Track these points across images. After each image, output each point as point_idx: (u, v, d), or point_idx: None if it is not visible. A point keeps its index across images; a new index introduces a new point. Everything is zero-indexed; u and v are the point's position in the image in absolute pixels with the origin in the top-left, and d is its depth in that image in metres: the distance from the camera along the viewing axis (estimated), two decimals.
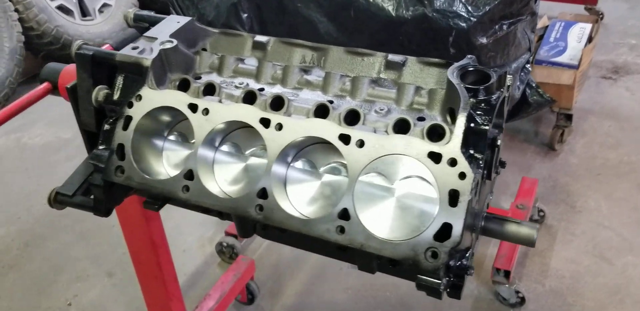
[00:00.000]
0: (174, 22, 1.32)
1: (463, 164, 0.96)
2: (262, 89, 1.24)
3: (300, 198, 1.08)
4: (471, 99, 1.03)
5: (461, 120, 0.98)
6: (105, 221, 2.80)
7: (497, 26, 1.83)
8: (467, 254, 1.06)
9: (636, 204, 2.71)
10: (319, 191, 1.08)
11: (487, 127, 1.00)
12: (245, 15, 2.04)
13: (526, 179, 2.57)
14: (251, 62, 1.30)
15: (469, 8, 1.76)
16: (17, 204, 2.95)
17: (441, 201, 0.97)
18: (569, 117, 2.94)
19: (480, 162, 1.00)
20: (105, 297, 2.43)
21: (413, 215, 0.99)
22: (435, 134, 1.03)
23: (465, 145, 0.99)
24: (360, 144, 1.03)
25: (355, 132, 1.04)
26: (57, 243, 2.70)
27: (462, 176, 0.96)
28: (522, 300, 2.25)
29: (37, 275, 2.54)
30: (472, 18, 1.77)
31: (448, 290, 1.07)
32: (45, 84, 1.45)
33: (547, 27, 2.99)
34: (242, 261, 2.29)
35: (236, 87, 1.26)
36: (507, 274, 2.22)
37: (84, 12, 4.05)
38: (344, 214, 1.01)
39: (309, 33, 1.95)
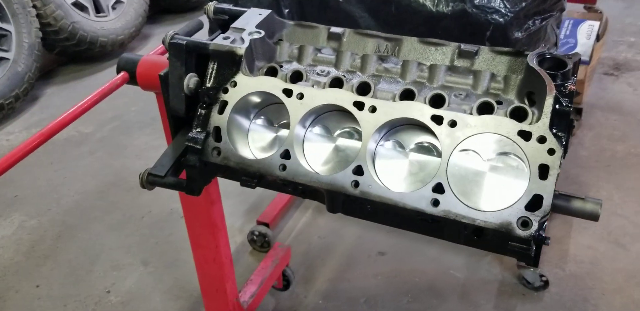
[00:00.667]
0: (256, 14, 1.40)
1: (552, 141, 1.07)
2: (344, 77, 1.34)
3: (392, 175, 1.18)
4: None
5: (549, 101, 1.08)
6: (134, 213, 2.88)
7: (530, 21, 1.94)
8: (544, 227, 1.16)
9: None
10: (408, 168, 1.18)
11: (569, 109, 1.10)
12: (287, 10, 2.13)
13: None
14: (328, 52, 1.40)
15: (507, 4, 1.87)
16: (46, 197, 3.00)
17: (532, 175, 1.07)
18: (579, 112, 3.08)
19: (563, 140, 1.11)
20: (143, 285, 2.49)
21: (505, 188, 1.09)
22: (518, 115, 1.14)
23: (551, 125, 1.10)
24: (452, 124, 1.13)
25: (446, 113, 1.14)
26: (89, 234, 2.76)
27: (551, 151, 1.07)
28: (546, 284, 2.36)
29: (74, 265, 2.60)
30: (509, 13, 1.87)
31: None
32: (122, 74, 1.53)
33: None
34: (279, 248, 2.38)
35: (318, 74, 1.35)
36: None
37: (98, 9, 4.10)
38: (438, 188, 1.11)
39: (350, 28, 2.04)
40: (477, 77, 1.26)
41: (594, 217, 1.27)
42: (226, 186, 1.37)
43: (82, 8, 3.98)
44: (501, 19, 1.90)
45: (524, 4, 1.90)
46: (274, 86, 1.25)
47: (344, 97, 1.21)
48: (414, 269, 2.49)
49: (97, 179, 3.11)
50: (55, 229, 2.79)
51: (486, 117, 1.12)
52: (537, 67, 1.15)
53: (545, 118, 1.08)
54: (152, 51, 1.64)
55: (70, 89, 3.98)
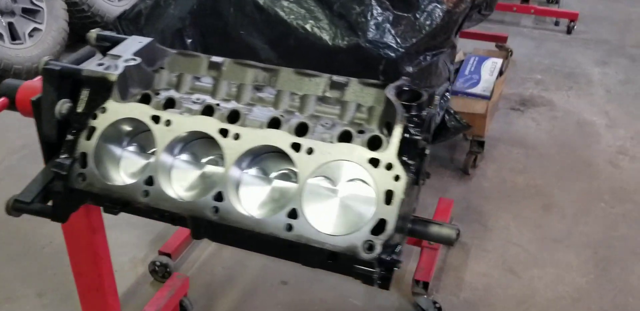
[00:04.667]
0: (136, 42, 1.43)
1: (398, 168, 1.13)
2: (217, 105, 1.37)
3: (253, 201, 1.21)
4: (405, 114, 1.20)
5: (398, 130, 1.15)
6: (34, 243, 2.79)
7: (421, 57, 2.05)
8: (397, 250, 1.21)
9: (540, 222, 2.99)
10: (270, 195, 1.22)
11: (418, 138, 1.17)
12: (190, 40, 2.17)
13: (443, 199, 2.80)
14: (206, 81, 1.43)
15: (398, 40, 1.97)
16: None
17: (378, 200, 1.12)
18: (481, 144, 3.22)
19: (412, 167, 1.17)
20: None
21: (354, 213, 1.14)
22: (374, 144, 1.20)
23: (400, 153, 1.16)
24: (310, 151, 1.17)
25: (305, 141, 1.18)
26: None
27: (396, 178, 1.13)
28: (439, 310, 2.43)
29: None
30: (400, 49, 1.98)
31: (379, 281, 1.21)
32: (2, 99, 1.52)
33: (462, 61, 3.29)
34: (177, 278, 2.36)
35: (194, 102, 1.38)
36: (425, 285, 2.40)
37: (14, 36, 4.03)
38: (293, 214, 1.15)
39: (250, 59, 2.10)
40: (344, 107, 1.32)
41: (449, 241, 1.33)
42: (132, 216, 1.37)
43: None
44: (393, 54, 2.01)
45: (414, 40, 2.01)
46: (143, 112, 1.27)
47: (210, 125, 1.24)
48: (314, 298, 2.51)
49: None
50: None
51: (342, 146, 1.17)
52: (392, 98, 1.21)
53: (393, 147, 1.15)
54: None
55: None
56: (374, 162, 1.14)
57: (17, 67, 3.91)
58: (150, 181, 1.23)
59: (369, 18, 1.97)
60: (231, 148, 1.21)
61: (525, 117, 3.97)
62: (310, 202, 1.15)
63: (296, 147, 1.18)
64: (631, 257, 2.81)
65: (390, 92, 1.23)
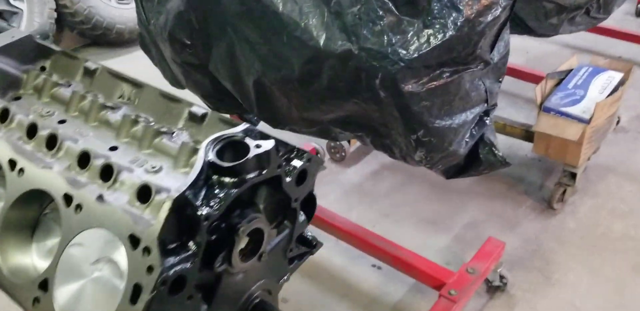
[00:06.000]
0: (8, 37, 1.23)
1: (155, 256, 0.81)
2: (63, 121, 1.14)
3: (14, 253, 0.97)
4: (215, 176, 0.87)
5: (167, 205, 0.83)
6: None
7: (434, 73, 1.62)
8: None
9: (623, 287, 2.37)
10: (36, 249, 0.97)
11: (203, 213, 0.84)
12: (190, 25, 1.93)
13: (492, 240, 2.31)
14: (70, 90, 1.20)
15: (399, 50, 1.56)
16: None
17: (124, 294, 0.82)
18: (573, 176, 2.62)
19: (192, 256, 0.85)
20: None
21: (98, 304, 0.85)
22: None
23: (178, 233, 0.84)
24: (78, 208, 0.90)
25: (80, 194, 0.91)
26: None
27: (149, 269, 0.81)
28: None
29: None
30: (400, 62, 1.57)
31: None
32: None
33: (570, 71, 2.67)
34: None
35: (41, 116, 1.16)
36: None
37: None
38: (44, 285, 0.89)
39: (245, 56, 1.82)
40: (181, 149, 1.01)
41: None
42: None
43: None
44: (390, 67, 1.60)
45: (420, 52, 1.57)
46: None
47: (3, 152, 1.01)
48: None
49: None
50: None
51: (112, 209, 0.88)
52: (201, 153, 0.89)
53: (158, 225, 0.83)
54: None
55: None
56: (134, 241, 0.84)
57: (120, 26, 4.01)
58: None
59: (365, 20, 1.57)
60: (13, 183, 0.97)
61: None
62: (64, 275, 0.89)
63: (68, 200, 0.91)
64: None
65: (208, 146, 0.90)
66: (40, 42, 1.27)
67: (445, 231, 2.65)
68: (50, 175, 0.95)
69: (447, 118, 1.74)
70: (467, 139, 1.84)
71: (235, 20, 1.81)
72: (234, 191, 0.86)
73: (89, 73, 1.21)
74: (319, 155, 2.99)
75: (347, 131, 1.91)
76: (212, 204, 0.85)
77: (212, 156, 0.87)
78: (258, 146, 0.90)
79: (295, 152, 0.99)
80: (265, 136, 0.95)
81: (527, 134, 2.71)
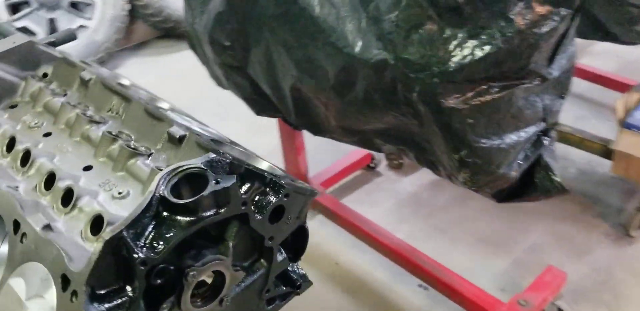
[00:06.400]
0: (9, 42, 1.19)
1: (80, 302, 0.72)
2: (49, 134, 1.08)
3: None
4: (166, 213, 0.77)
5: (98, 246, 0.73)
6: None
7: (479, 88, 1.44)
8: None
9: None
10: None
11: (140, 256, 0.74)
12: (229, 26, 1.84)
13: (552, 269, 2.09)
14: (72, 99, 1.14)
15: (439, 61, 1.40)
16: None
17: None
18: None
19: (128, 302, 0.75)
20: None
21: None
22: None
23: (116, 274, 0.75)
24: (23, 237, 0.83)
25: (28, 221, 0.84)
26: None
27: None
28: None
29: None
30: (440, 75, 1.41)
31: None
32: None
33: None
34: None
35: (29, 127, 1.11)
36: None
37: None
38: None
39: (281, 61, 1.71)
40: (151, 174, 0.92)
41: None
42: None
43: None
44: (429, 81, 1.44)
45: (462, 64, 1.40)
46: None
47: None
48: None
49: None
50: None
51: (50, 242, 0.80)
52: (152, 186, 0.79)
53: (90, 265, 0.74)
54: None
55: (152, 63, 4.05)
56: (65, 282, 0.75)
57: None
58: None
59: (403, 28, 1.42)
60: None
61: None
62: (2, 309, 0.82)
63: (16, 226, 0.84)
64: None
65: (165, 175, 0.80)
66: (44, 49, 1.21)
67: (505, 253, 2.44)
68: (7, 197, 0.88)
69: (496, 138, 1.56)
70: (520, 161, 1.64)
71: (272, 22, 1.71)
72: (183, 231, 0.76)
73: (84, 83, 1.14)
74: (374, 161, 2.84)
75: (389, 143, 1.77)
76: (155, 245, 0.75)
77: (163, 190, 0.77)
78: (217, 182, 0.79)
79: (271, 186, 0.87)
80: (236, 167, 0.84)
81: (607, 151, 2.44)
